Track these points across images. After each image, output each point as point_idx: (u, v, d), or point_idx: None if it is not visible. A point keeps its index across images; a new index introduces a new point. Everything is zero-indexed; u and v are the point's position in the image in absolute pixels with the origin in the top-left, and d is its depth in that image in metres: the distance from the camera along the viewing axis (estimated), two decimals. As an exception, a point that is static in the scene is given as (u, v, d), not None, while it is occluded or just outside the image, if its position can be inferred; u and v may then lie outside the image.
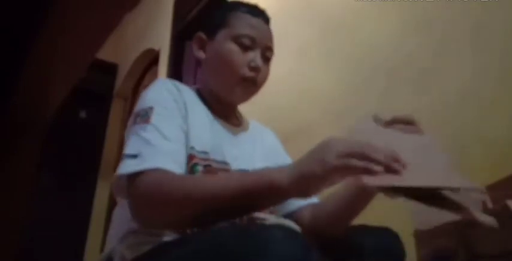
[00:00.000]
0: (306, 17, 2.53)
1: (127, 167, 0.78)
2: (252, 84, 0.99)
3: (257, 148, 1.07)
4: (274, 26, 1.08)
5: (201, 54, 1.04)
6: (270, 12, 1.08)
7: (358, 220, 0.90)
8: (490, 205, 1.27)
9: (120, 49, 4.89)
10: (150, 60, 4.54)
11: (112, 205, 4.09)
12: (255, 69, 0.98)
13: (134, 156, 0.79)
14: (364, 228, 0.87)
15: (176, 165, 0.80)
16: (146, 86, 1.00)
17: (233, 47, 0.97)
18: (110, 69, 4.94)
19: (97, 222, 4.23)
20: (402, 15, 1.97)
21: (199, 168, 0.88)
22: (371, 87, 2.02)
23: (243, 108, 1.15)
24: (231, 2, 1.07)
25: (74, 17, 0.60)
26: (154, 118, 0.84)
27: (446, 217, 1.17)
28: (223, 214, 0.73)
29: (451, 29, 1.76)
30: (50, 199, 3.86)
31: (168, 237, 0.82)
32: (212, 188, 0.73)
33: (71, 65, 0.69)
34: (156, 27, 4.43)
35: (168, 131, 0.83)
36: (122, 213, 0.92)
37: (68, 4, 0.58)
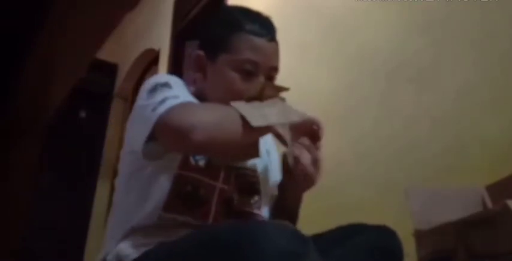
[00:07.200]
0: (307, 17, 2.53)
1: (174, 101, 0.83)
2: None
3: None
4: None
5: (199, 77, 1.00)
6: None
7: (357, 220, 0.90)
8: (490, 205, 1.27)
9: (120, 49, 4.89)
10: (150, 60, 4.54)
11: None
12: None
13: (176, 97, 0.85)
14: (362, 227, 0.87)
15: None
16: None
17: (235, 76, 0.94)
18: (110, 69, 4.94)
19: (97, 222, 4.23)
20: (403, 16, 1.97)
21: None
22: (371, 87, 2.02)
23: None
24: (235, 15, 1.00)
25: (74, 17, 0.61)
26: (174, 87, 0.90)
27: (447, 216, 1.17)
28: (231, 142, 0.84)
29: (451, 29, 1.76)
30: (50, 199, 3.85)
31: (163, 239, 0.82)
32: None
33: (71, 65, 0.69)
34: (156, 27, 4.43)
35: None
36: (117, 216, 0.92)
37: (68, 4, 0.58)
